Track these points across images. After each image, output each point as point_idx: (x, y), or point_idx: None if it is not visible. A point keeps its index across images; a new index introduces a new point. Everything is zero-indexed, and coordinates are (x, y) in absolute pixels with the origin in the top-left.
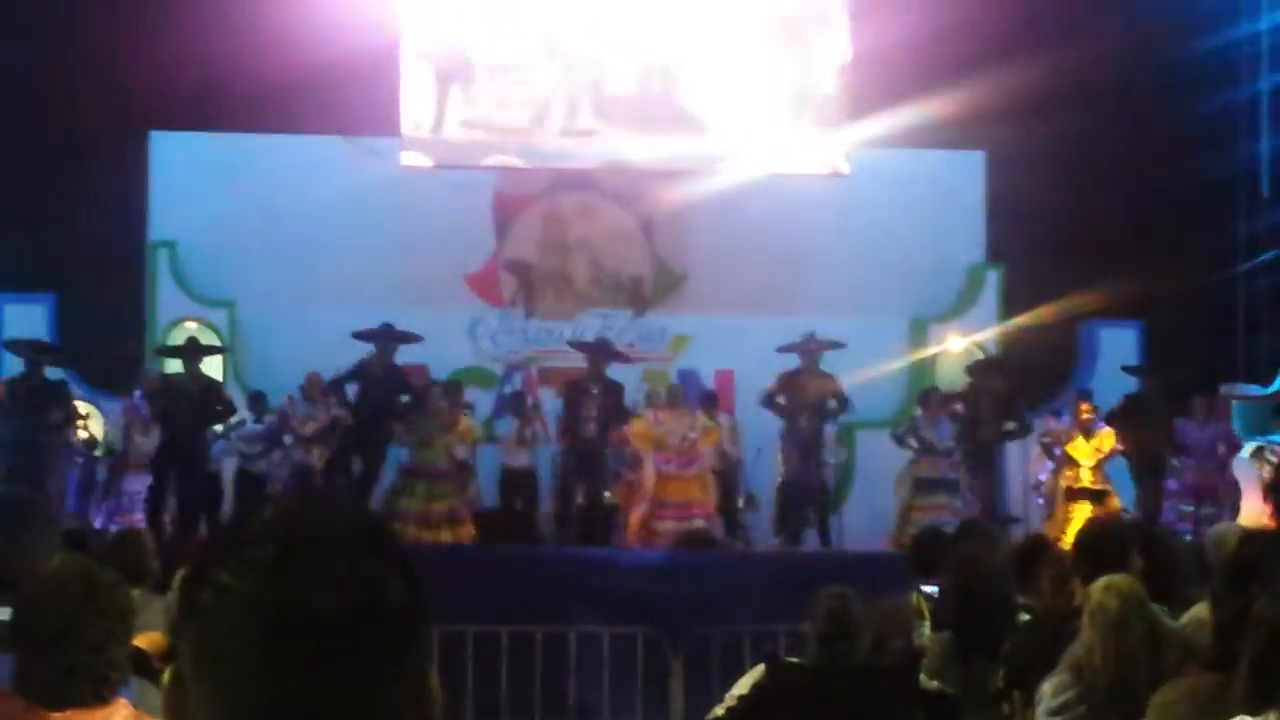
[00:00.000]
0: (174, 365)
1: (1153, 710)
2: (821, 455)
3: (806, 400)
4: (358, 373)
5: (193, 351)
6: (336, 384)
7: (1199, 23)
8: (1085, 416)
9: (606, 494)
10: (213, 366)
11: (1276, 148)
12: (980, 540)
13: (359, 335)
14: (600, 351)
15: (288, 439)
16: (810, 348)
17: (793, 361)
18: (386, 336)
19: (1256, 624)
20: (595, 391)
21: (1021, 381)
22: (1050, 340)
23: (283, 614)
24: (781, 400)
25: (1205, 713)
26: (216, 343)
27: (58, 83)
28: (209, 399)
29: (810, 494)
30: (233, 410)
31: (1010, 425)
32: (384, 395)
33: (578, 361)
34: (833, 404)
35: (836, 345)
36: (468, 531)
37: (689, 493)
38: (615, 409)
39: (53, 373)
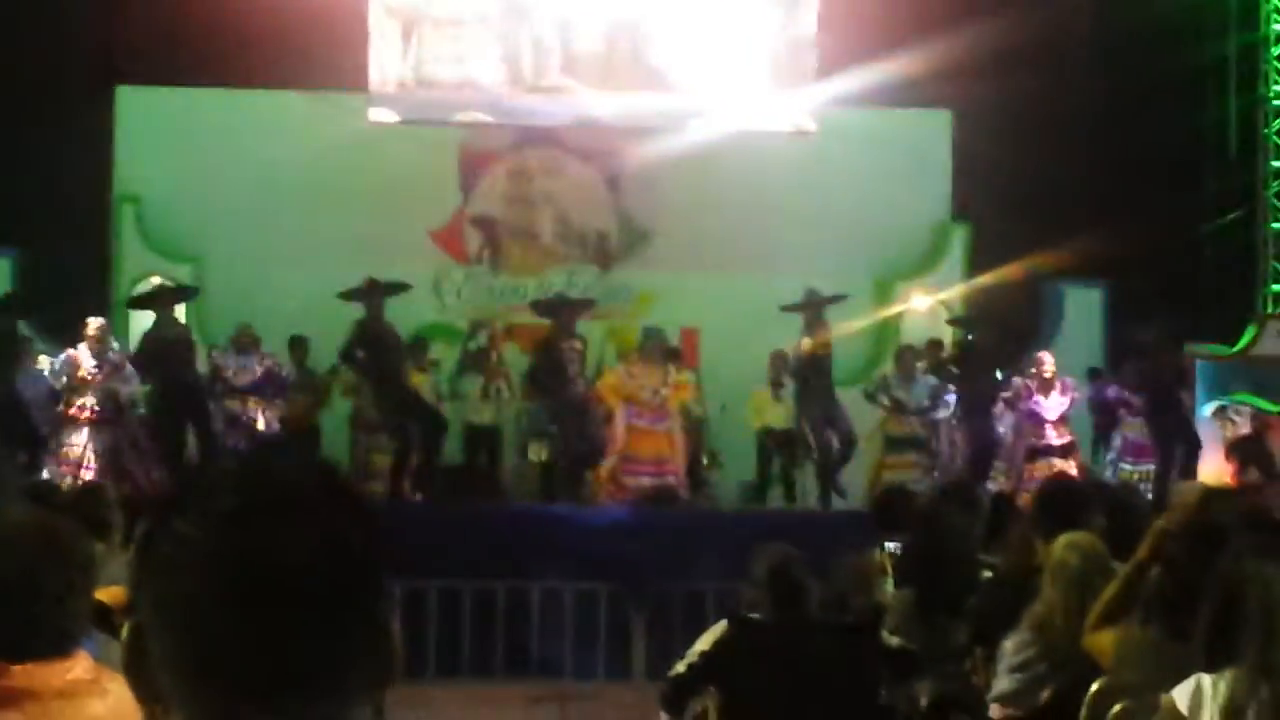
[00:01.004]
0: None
1: (1115, 653)
2: (840, 410)
3: (821, 357)
4: (361, 338)
5: (165, 299)
6: (348, 356)
7: None
8: (1048, 373)
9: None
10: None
11: (1243, 108)
12: (961, 503)
13: (345, 295)
14: (566, 309)
15: (218, 388)
16: (814, 304)
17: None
18: (374, 291)
19: (1215, 584)
20: (572, 347)
21: (1003, 333)
22: (1015, 299)
23: (245, 564)
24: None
25: (1163, 666)
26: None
27: (20, 35)
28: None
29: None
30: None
31: (999, 376)
32: (383, 357)
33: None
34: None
35: (839, 298)
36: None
37: (660, 448)
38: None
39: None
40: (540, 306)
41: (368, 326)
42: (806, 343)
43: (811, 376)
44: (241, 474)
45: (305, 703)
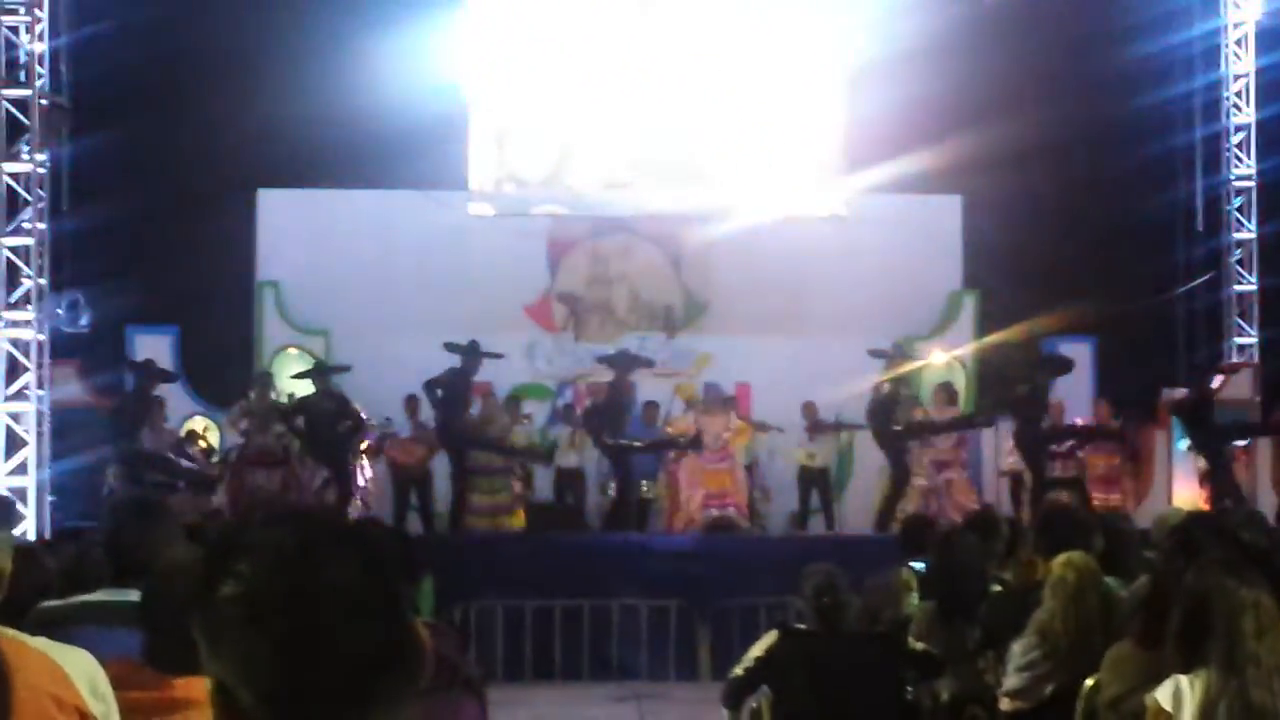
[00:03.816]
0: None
1: (1106, 665)
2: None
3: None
4: (446, 380)
5: (319, 373)
6: (430, 386)
7: (1141, 83)
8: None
9: (644, 486)
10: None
11: (1208, 188)
12: (983, 528)
13: (450, 347)
14: (626, 362)
15: None
16: (896, 355)
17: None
18: (474, 351)
19: (1185, 594)
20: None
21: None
22: (1017, 354)
23: (292, 591)
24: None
25: (1149, 669)
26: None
27: (180, 149)
28: (342, 413)
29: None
30: (361, 422)
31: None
32: (459, 403)
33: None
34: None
35: (920, 358)
36: (519, 519)
37: (723, 483)
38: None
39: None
40: (605, 359)
41: (458, 376)
42: (886, 386)
43: (887, 416)
44: (284, 521)
45: (346, 711)
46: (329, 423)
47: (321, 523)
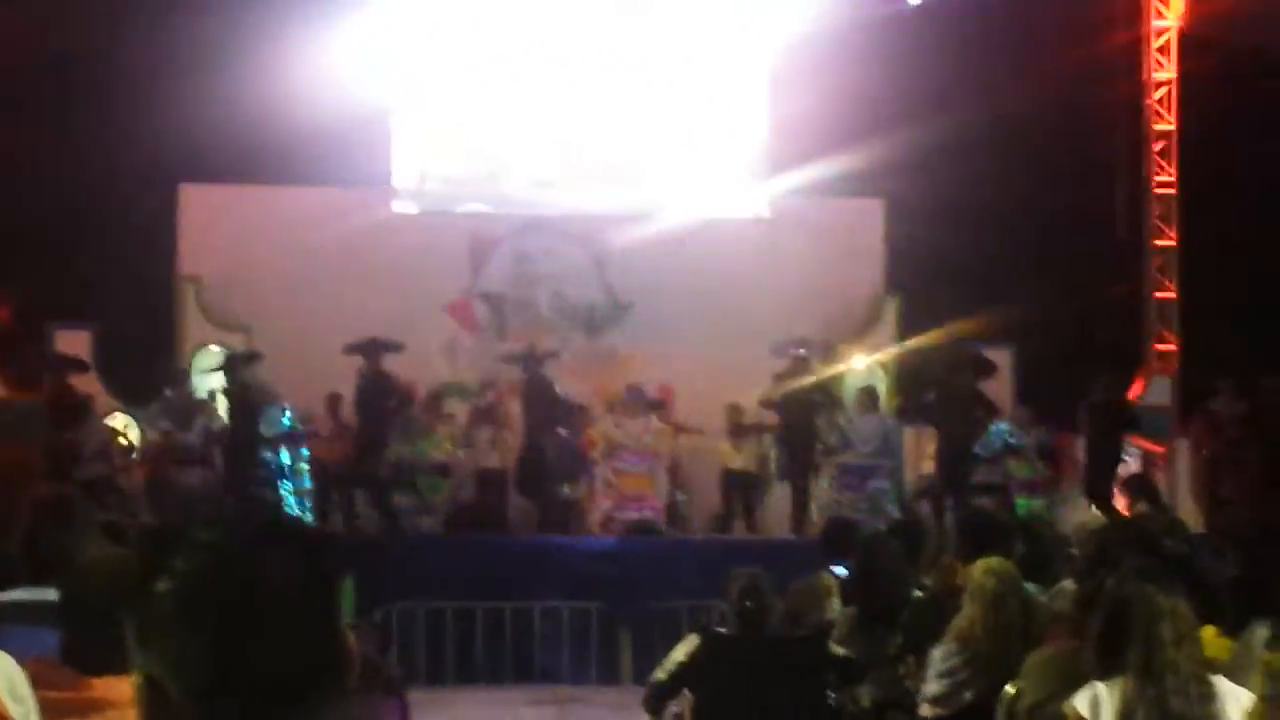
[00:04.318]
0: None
1: (1025, 672)
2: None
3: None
4: (359, 385)
5: (240, 363)
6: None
7: (1065, 89)
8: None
9: (566, 489)
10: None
11: (1130, 196)
12: (906, 535)
13: (349, 349)
14: (534, 358)
15: None
16: (796, 352)
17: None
18: (373, 347)
19: (1103, 602)
20: (542, 397)
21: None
22: (936, 357)
23: (224, 585)
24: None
25: (1068, 676)
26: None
27: (102, 144)
28: (251, 400)
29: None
30: (271, 400)
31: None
32: (375, 401)
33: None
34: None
35: (825, 348)
36: (440, 520)
37: (642, 486)
38: (558, 407)
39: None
40: (512, 358)
41: (364, 378)
42: (779, 385)
43: (795, 414)
44: (220, 519)
45: (275, 709)
46: (249, 411)
47: (260, 522)
